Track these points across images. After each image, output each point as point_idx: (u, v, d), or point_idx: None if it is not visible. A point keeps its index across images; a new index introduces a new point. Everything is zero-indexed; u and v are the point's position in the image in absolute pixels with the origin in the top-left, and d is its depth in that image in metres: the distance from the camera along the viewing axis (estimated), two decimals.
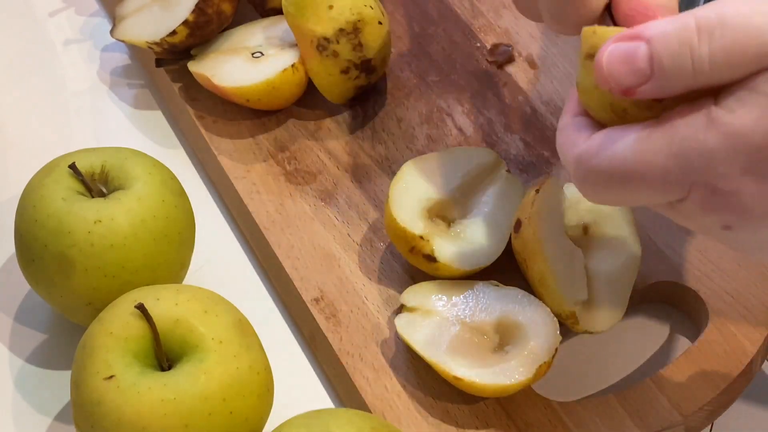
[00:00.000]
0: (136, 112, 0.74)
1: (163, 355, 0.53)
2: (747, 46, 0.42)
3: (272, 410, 0.55)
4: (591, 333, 0.57)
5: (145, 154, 0.60)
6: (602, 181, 0.46)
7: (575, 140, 0.47)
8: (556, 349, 0.55)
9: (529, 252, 0.57)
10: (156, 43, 0.69)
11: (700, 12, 0.43)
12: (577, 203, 0.60)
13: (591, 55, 0.46)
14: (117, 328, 0.53)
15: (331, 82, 0.67)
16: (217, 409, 0.51)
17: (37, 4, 0.81)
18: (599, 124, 0.47)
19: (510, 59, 0.72)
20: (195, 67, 0.69)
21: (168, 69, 0.72)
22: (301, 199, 0.66)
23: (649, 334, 0.62)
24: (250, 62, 0.68)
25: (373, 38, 0.67)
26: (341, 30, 0.66)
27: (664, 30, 0.43)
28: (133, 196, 0.58)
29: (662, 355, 0.61)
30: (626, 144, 0.45)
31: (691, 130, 0.44)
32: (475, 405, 0.57)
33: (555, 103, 0.69)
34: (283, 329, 0.63)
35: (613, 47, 0.45)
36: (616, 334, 0.59)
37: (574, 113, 0.48)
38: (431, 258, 0.59)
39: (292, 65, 0.67)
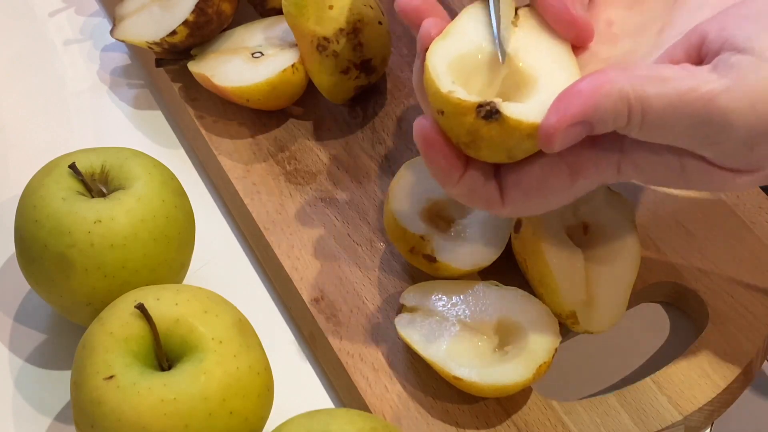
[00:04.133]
0: (136, 112, 0.74)
1: (163, 355, 0.53)
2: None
3: (272, 410, 0.55)
4: (591, 333, 0.57)
5: (145, 154, 0.60)
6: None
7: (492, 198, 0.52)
8: (556, 349, 0.55)
9: (529, 252, 0.57)
10: (156, 43, 0.69)
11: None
12: (577, 203, 0.60)
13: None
14: (117, 328, 0.53)
15: (331, 82, 0.67)
16: (216, 409, 0.51)
17: (37, 4, 0.81)
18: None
19: None
20: (195, 67, 0.69)
21: (168, 69, 0.72)
22: (301, 199, 0.66)
23: (649, 334, 0.62)
24: (250, 62, 0.68)
25: (373, 38, 0.67)
26: (341, 30, 0.66)
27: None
28: (133, 196, 0.58)
29: (662, 355, 0.61)
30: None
31: None
32: (475, 405, 0.57)
33: None
34: (283, 329, 0.63)
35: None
36: (616, 334, 0.59)
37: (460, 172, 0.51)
38: (431, 258, 0.59)
39: (292, 65, 0.67)
